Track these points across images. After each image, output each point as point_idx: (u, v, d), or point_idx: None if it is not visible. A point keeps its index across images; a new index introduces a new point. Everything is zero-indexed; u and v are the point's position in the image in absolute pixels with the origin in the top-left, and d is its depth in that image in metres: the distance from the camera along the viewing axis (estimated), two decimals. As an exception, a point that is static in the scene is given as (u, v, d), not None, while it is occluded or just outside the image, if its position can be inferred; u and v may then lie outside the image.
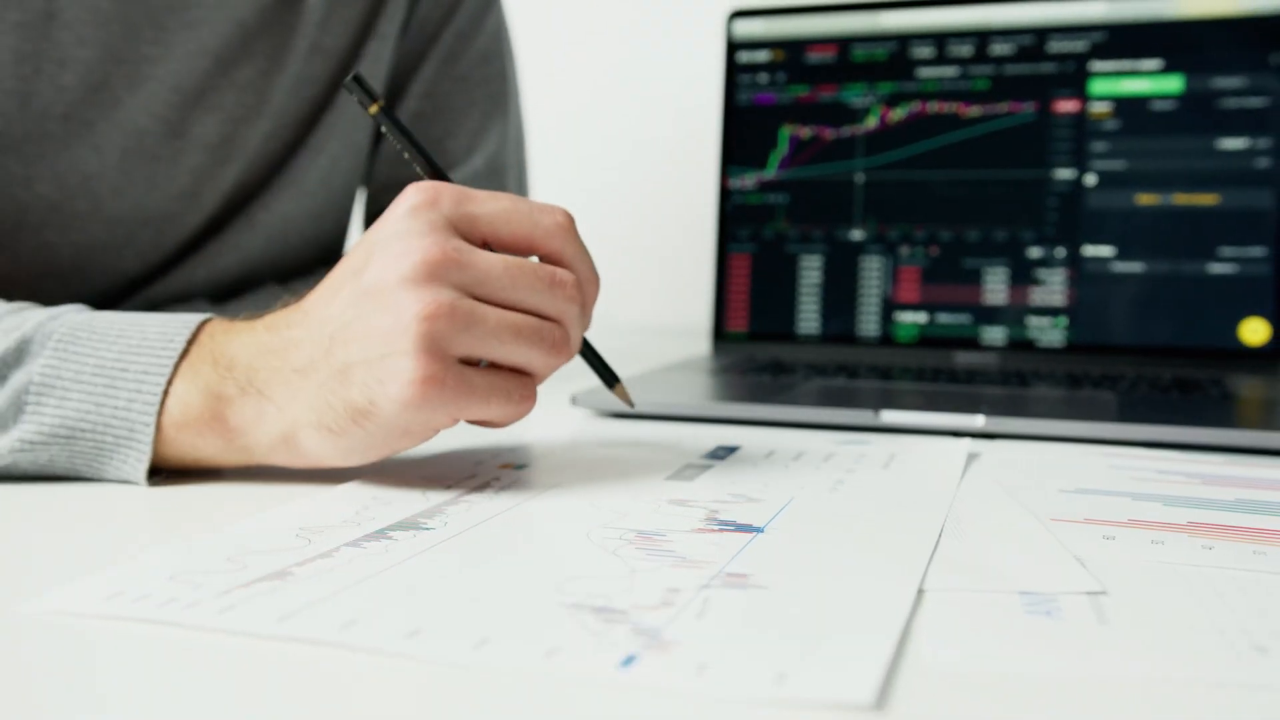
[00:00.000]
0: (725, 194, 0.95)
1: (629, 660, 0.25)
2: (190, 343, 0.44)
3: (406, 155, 0.47)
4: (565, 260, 0.44)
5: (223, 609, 0.29)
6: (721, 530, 0.37)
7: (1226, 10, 0.84)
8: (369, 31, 0.74)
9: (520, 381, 0.43)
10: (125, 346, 0.43)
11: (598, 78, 1.36)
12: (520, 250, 0.44)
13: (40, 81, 0.61)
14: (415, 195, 0.42)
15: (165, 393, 0.42)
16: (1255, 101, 0.83)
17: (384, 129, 0.47)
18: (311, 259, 0.78)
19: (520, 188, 0.84)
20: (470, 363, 0.42)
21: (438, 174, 0.47)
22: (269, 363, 0.42)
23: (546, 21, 1.34)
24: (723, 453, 0.51)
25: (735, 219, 0.94)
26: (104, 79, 0.63)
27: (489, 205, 0.43)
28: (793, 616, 0.29)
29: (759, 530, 0.37)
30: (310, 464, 0.43)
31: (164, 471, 0.44)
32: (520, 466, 0.48)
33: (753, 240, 0.94)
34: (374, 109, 0.46)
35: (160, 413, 0.42)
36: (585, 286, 0.45)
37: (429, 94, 0.78)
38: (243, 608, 0.29)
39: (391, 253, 0.41)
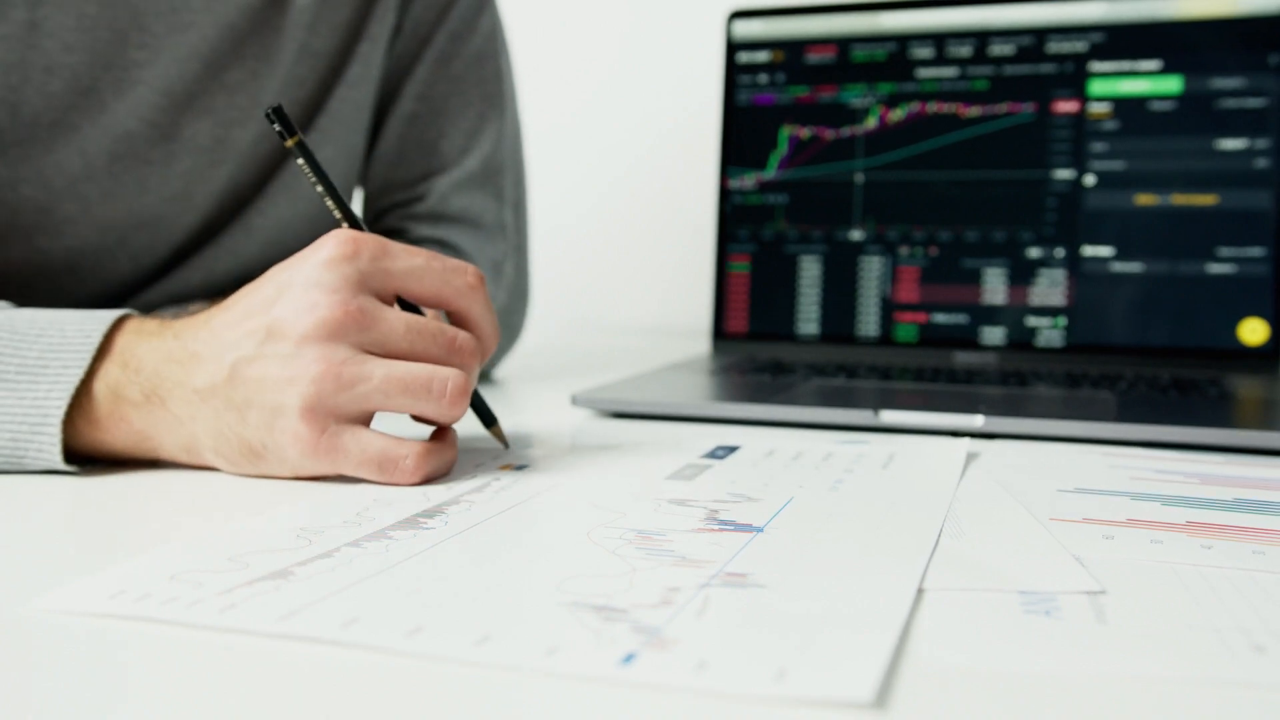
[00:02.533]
0: (725, 194, 0.95)
1: (629, 658, 0.26)
2: (107, 338, 0.45)
3: (324, 197, 0.48)
4: (471, 319, 0.47)
5: (224, 608, 0.29)
6: (721, 529, 0.37)
7: (1225, 11, 0.84)
8: (359, 34, 0.74)
9: (396, 451, 0.43)
10: (46, 345, 0.45)
11: (598, 78, 1.36)
12: (430, 305, 0.46)
13: (29, 90, 0.61)
14: (335, 246, 0.44)
15: (81, 386, 0.44)
16: (1254, 102, 0.83)
17: (301, 164, 0.48)
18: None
19: (517, 188, 0.84)
20: (361, 419, 0.44)
21: (352, 221, 0.48)
22: (172, 373, 0.44)
23: (546, 22, 1.34)
24: (723, 452, 0.51)
25: (735, 219, 0.94)
26: (91, 84, 0.63)
27: (403, 262, 0.45)
28: (792, 615, 0.29)
29: (759, 529, 0.37)
30: (222, 470, 0.45)
31: (93, 461, 0.46)
32: (520, 466, 0.48)
33: (752, 240, 0.94)
34: (290, 143, 0.48)
35: (73, 407, 0.44)
36: (485, 344, 0.48)
37: (423, 95, 0.78)
38: (244, 607, 0.29)
39: (300, 302, 0.43)
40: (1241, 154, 0.83)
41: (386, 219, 0.82)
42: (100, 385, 0.45)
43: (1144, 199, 0.84)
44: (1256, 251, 0.82)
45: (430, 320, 0.45)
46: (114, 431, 0.45)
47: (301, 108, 0.72)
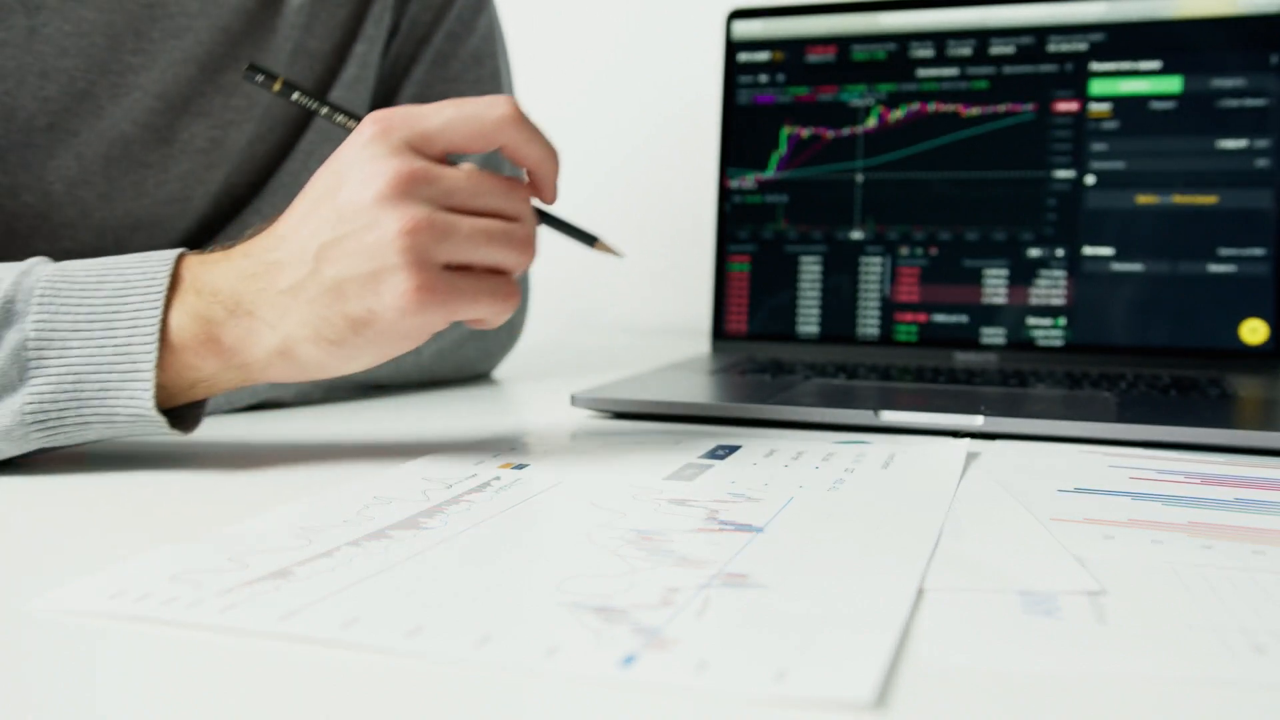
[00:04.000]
0: (725, 194, 0.95)
1: (629, 659, 0.26)
2: (173, 276, 0.45)
3: (330, 117, 0.51)
4: (519, 149, 0.47)
5: (224, 608, 0.29)
6: (721, 530, 0.37)
7: (1226, 10, 0.84)
8: (355, 34, 0.74)
9: (501, 280, 0.47)
10: (111, 290, 0.45)
11: (597, 78, 1.36)
12: (477, 151, 0.47)
13: (24, 95, 0.61)
14: (370, 125, 0.45)
15: (163, 323, 0.44)
16: (1254, 102, 0.83)
17: (296, 97, 0.51)
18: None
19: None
20: (451, 269, 0.45)
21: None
22: (252, 286, 0.45)
23: (545, 22, 1.34)
24: (723, 452, 0.51)
25: (735, 219, 0.94)
26: (87, 88, 0.63)
27: (435, 119, 0.46)
28: (792, 615, 0.29)
29: (759, 530, 0.37)
30: (308, 375, 0.46)
31: (189, 421, 0.46)
32: (520, 466, 0.48)
33: (752, 240, 0.94)
34: (276, 87, 0.50)
35: (160, 340, 0.44)
36: (543, 165, 0.48)
37: (421, 96, 0.78)
38: (244, 607, 0.29)
39: (361, 176, 0.44)
40: (1242, 154, 0.83)
41: None
42: (180, 315, 0.45)
43: (1144, 199, 0.84)
44: (1257, 251, 0.82)
45: (482, 169, 0.47)
46: (203, 357, 0.45)
47: (298, 109, 0.72)
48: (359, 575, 0.32)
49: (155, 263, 0.46)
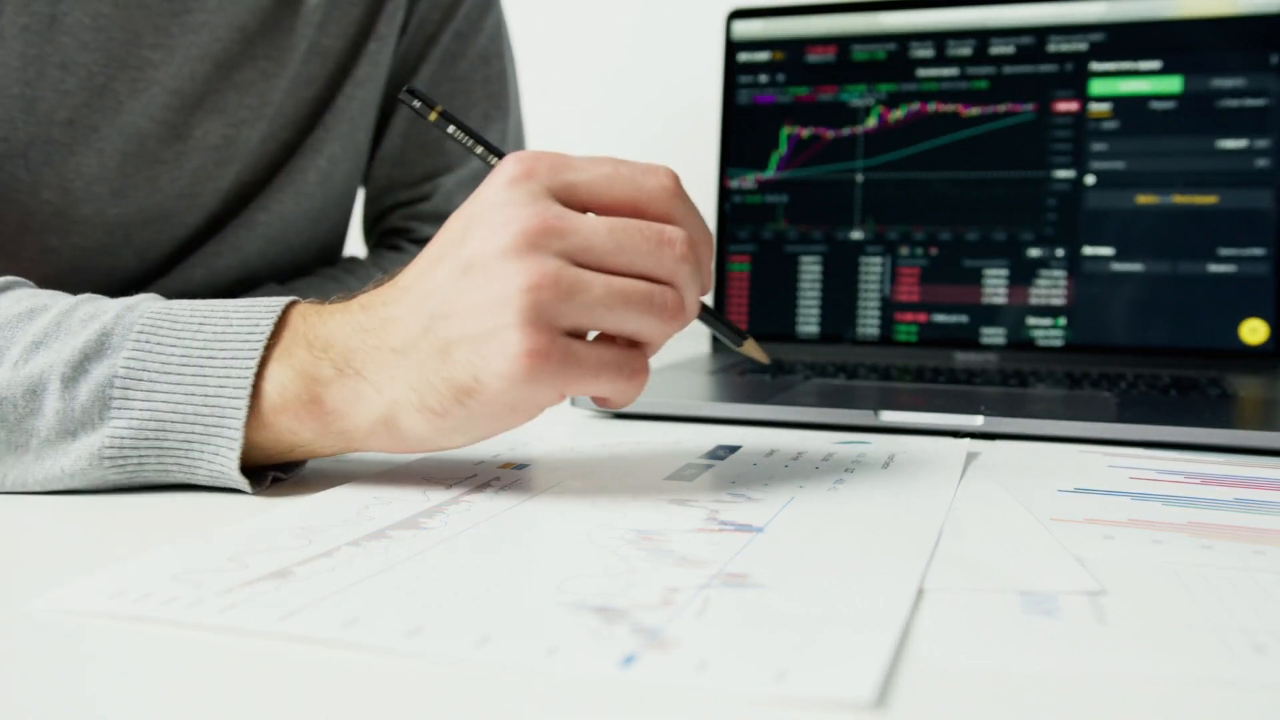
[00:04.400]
0: (725, 194, 0.95)
1: (629, 659, 0.25)
2: (278, 326, 0.42)
3: (478, 150, 0.46)
4: (674, 222, 0.42)
5: (224, 608, 0.29)
6: (721, 530, 0.37)
7: (1226, 10, 0.84)
8: (368, 32, 0.74)
9: (631, 355, 0.41)
10: (210, 334, 0.41)
11: (597, 78, 1.36)
12: (625, 215, 0.41)
13: (44, 86, 0.61)
14: (512, 166, 0.41)
15: (258, 377, 0.41)
16: (1254, 102, 0.83)
17: (452, 130, 0.46)
18: (310, 259, 0.78)
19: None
20: (580, 336, 0.40)
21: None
22: (366, 342, 0.41)
23: (546, 22, 1.34)
24: (723, 452, 0.51)
25: (735, 219, 0.94)
26: (106, 83, 0.63)
27: (588, 171, 0.41)
28: (792, 615, 0.29)
29: (759, 530, 0.37)
30: (409, 447, 0.41)
31: (267, 478, 0.43)
32: (520, 466, 0.48)
33: (752, 240, 0.94)
34: (433, 116, 0.46)
35: (254, 397, 0.40)
36: (698, 246, 0.42)
37: (428, 94, 0.78)
38: (244, 607, 0.29)
39: (491, 224, 0.39)
40: (1242, 154, 0.83)
41: (390, 218, 0.82)
42: (285, 371, 0.41)
43: (1144, 199, 0.84)
44: (1257, 251, 0.82)
45: (633, 219, 0.40)
46: (303, 420, 0.40)
47: (310, 106, 0.72)
48: (359, 575, 0.32)
49: (261, 309, 0.42)
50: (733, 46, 0.95)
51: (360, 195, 0.84)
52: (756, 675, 0.25)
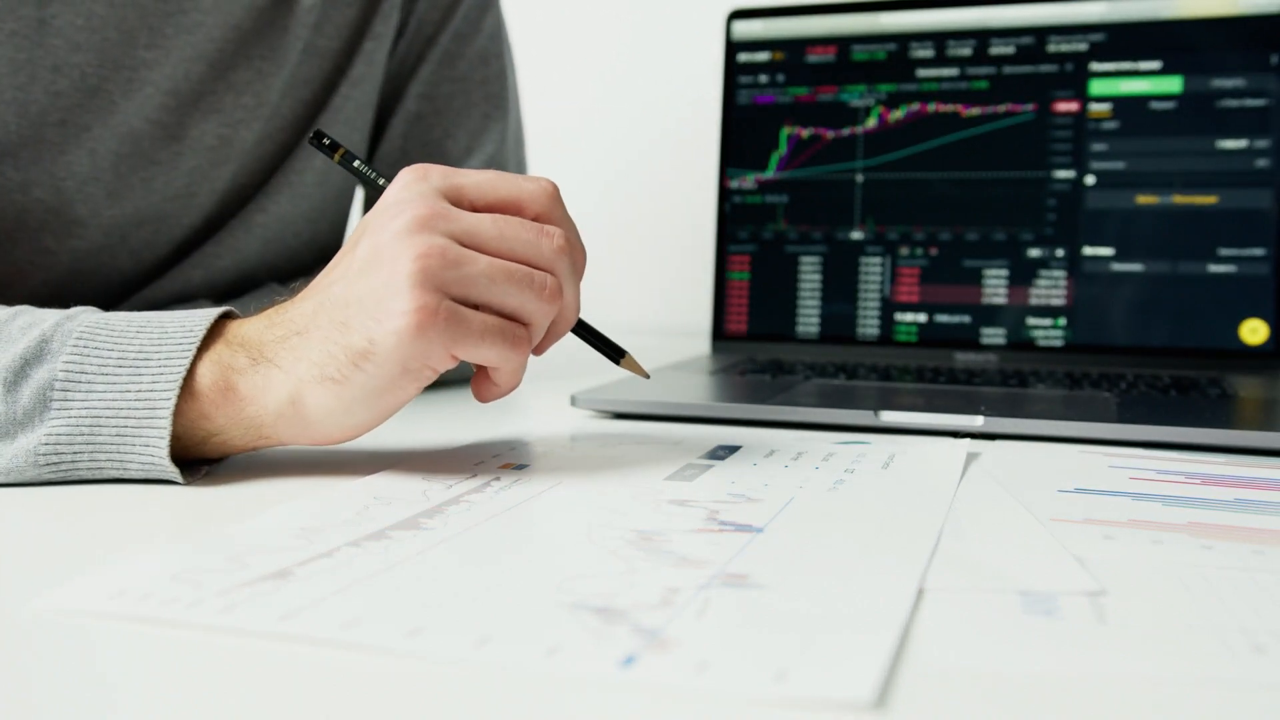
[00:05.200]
0: (725, 194, 0.95)
1: (629, 660, 0.25)
2: (210, 332, 0.45)
3: (381, 183, 0.50)
4: (553, 223, 0.45)
5: (224, 608, 0.29)
6: (721, 530, 0.37)
7: (1226, 10, 0.84)
8: (363, 32, 0.74)
9: (515, 325, 0.44)
10: (147, 339, 0.44)
11: (598, 78, 1.36)
12: (507, 213, 0.45)
13: (35, 89, 0.61)
14: (406, 173, 0.45)
15: (189, 374, 0.43)
16: (1254, 102, 0.83)
17: (356, 170, 0.51)
18: (309, 260, 0.78)
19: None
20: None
21: None
22: (275, 333, 0.44)
23: (546, 22, 1.34)
24: (723, 453, 0.51)
25: (735, 219, 0.94)
26: (99, 84, 0.63)
27: (475, 175, 0.45)
28: (792, 615, 0.29)
29: (759, 530, 0.37)
30: (316, 431, 0.44)
31: (200, 470, 0.45)
32: (520, 466, 0.48)
33: (752, 240, 0.94)
34: (336, 158, 0.51)
35: (183, 392, 0.43)
36: (574, 251, 0.46)
37: (428, 95, 0.78)
38: (244, 607, 0.29)
39: (386, 216, 0.43)
40: (1242, 154, 0.83)
41: None
42: (206, 365, 0.44)
43: (1144, 199, 0.84)
44: (1257, 251, 0.82)
45: (515, 217, 0.44)
46: (218, 405, 0.43)
47: (305, 107, 0.72)
48: (359, 575, 0.32)
49: (197, 318, 0.45)
50: (733, 47, 0.95)
51: (360, 195, 0.84)
52: (756, 675, 0.25)
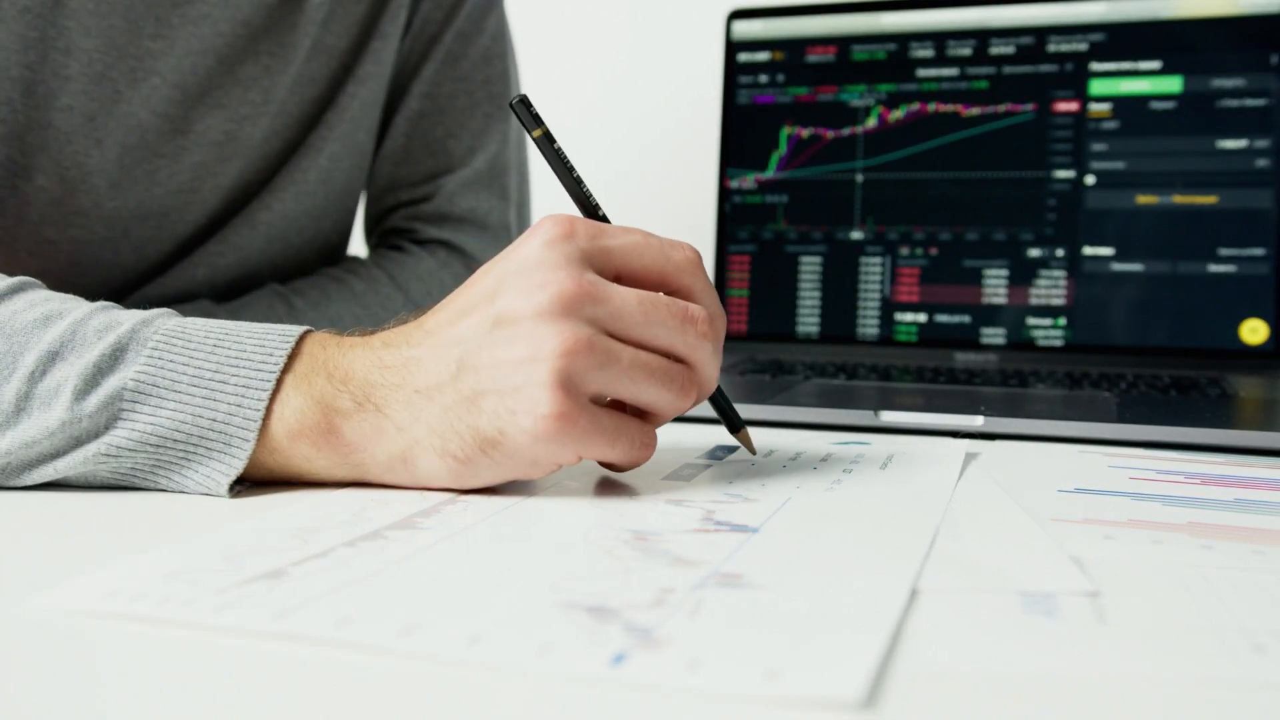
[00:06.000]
0: (725, 194, 0.95)
1: (619, 658, 0.25)
2: (293, 356, 0.42)
3: (574, 186, 0.47)
4: (695, 295, 0.43)
5: (218, 607, 0.29)
6: (717, 530, 0.37)
7: (1226, 10, 0.84)
8: (371, 31, 0.74)
9: (645, 427, 0.43)
10: (223, 358, 0.42)
11: (598, 78, 1.36)
12: (651, 284, 0.43)
13: (45, 70, 0.61)
14: (552, 227, 0.41)
15: (270, 406, 0.41)
16: (1254, 102, 0.82)
17: (544, 155, 0.47)
18: (312, 259, 0.78)
19: (521, 188, 0.84)
20: (597, 400, 0.41)
21: (588, 208, 0.46)
22: (387, 379, 0.41)
23: (547, 22, 1.34)
24: (721, 453, 0.51)
25: (735, 219, 0.94)
26: (105, 70, 0.63)
27: (622, 239, 0.42)
28: (785, 615, 0.29)
29: (754, 530, 0.37)
30: (420, 484, 0.42)
31: (245, 481, 0.43)
32: (518, 466, 0.47)
33: (752, 240, 0.94)
34: (537, 134, 0.46)
35: (265, 423, 0.41)
36: (715, 323, 0.43)
37: (431, 95, 0.78)
38: (238, 606, 0.29)
39: (527, 283, 0.40)
40: (1242, 154, 0.82)
41: (392, 218, 0.82)
42: (303, 399, 0.41)
43: (1144, 199, 0.84)
44: (1257, 251, 0.82)
45: (659, 294, 0.42)
46: (320, 449, 0.41)
47: (312, 104, 0.72)
48: (353, 575, 0.32)
49: (275, 336, 0.43)
50: (733, 47, 0.95)
51: (363, 195, 0.84)
52: (747, 674, 0.24)
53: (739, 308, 0.94)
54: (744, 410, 0.61)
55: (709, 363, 0.43)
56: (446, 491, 0.42)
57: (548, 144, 0.46)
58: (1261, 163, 0.82)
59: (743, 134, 0.95)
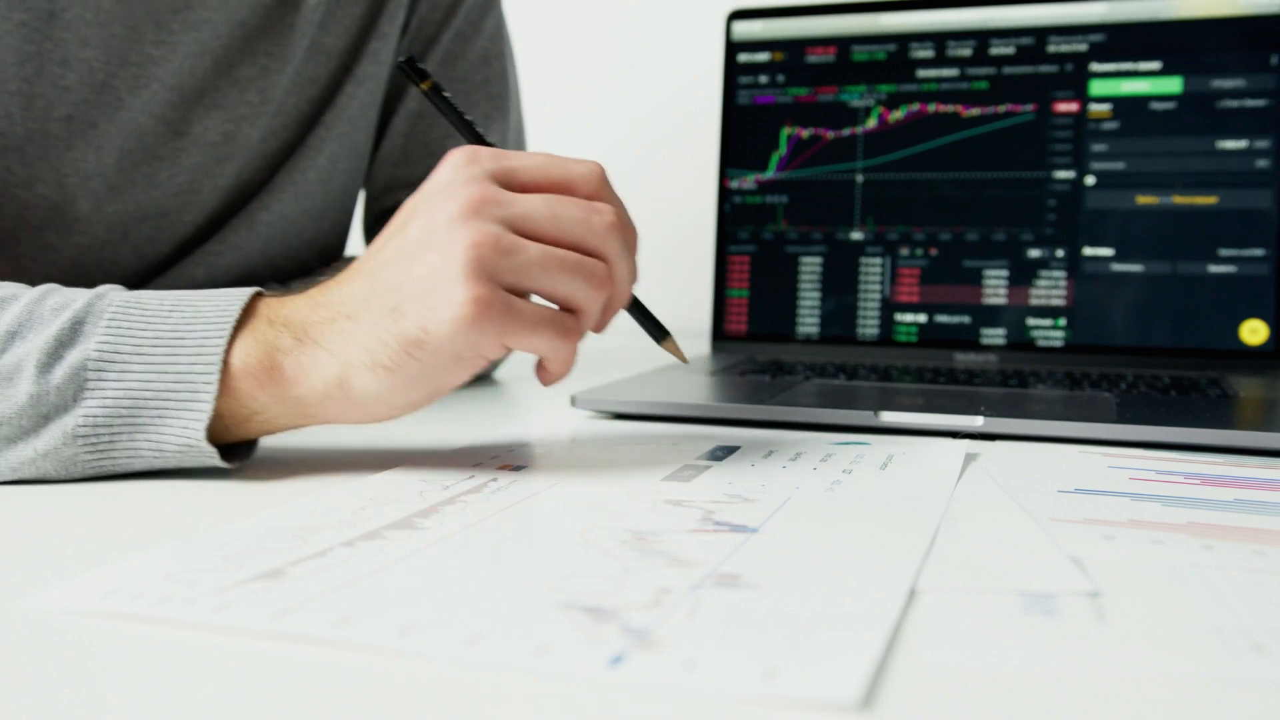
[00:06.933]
0: (725, 194, 0.95)
1: (617, 659, 0.25)
2: (244, 311, 0.44)
3: (460, 133, 0.50)
4: (604, 202, 0.45)
5: (217, 607, 0.29)
6: (716, 530, 0.37)
7: (1226, 10, 0.84)
8: (369, 31, 0.74)
9: (566, 315, 0.44)
10: (180, 319, 0.44)
11: (598, 78, 1.36)
12: (558, 193, 0.45)
13: (43, 82, 0.61)
14: (456, 156, 0.44)
15: (227, 352, 0.43)
16: (1254, 102, 0.82)
17: (437, 108, 0.50)
18: (311, 260, 0.78)
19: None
20: (516, 293, 0.43)
21: (481, 142, 0.49)
22: (321, 315, 0.44)
23: (547, 22, 1.34)
24: (721, 453, 0.51)
25: (735, 219, 0.94)
26: (107, 80, 0.63)
27: (525, 159, 0.45)
28: (783, 615, 0.28)
29: (753, 530, 0.37)
30: (362, 411, 0.44)
31: (238, 457, 0.45)
32: (519, 467, 0.47)
33: (752, 240, 0.94)
34: (425, 85, 0.50)
35: (225, 369, 0.43)
36: (626, 228, 0.46)
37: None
38: (237, 606, 0.29)
39: (436, 201, 0.43)
40: (1242, 154, 0.82)
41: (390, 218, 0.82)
42: (248, 344, 0.43)
43: (1144, 199, 0.84)
44: (1257, 252, 0.82)
45: (564, 195, 0.45)
46: (263, 385, 0.43)
47: (311, 104, 0.72)
48: (352, 575, 0.31)
49: (230, 297, 0.45)
50: (733, 47, 0.95)
51: (361, 197, 0.84)
52: (744, 675, 0.24)
53: (739, 308, 0.94)
54: (744, 410, 0.61)
55: (620, 256, 0.45)
56: (445, 492, 0.42)
57: (438, 95, 0.50)
58: (1261, 163, 0.82)
59: (743, 134, 0.95)
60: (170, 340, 0.43)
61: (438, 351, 0.42)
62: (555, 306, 0.45)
